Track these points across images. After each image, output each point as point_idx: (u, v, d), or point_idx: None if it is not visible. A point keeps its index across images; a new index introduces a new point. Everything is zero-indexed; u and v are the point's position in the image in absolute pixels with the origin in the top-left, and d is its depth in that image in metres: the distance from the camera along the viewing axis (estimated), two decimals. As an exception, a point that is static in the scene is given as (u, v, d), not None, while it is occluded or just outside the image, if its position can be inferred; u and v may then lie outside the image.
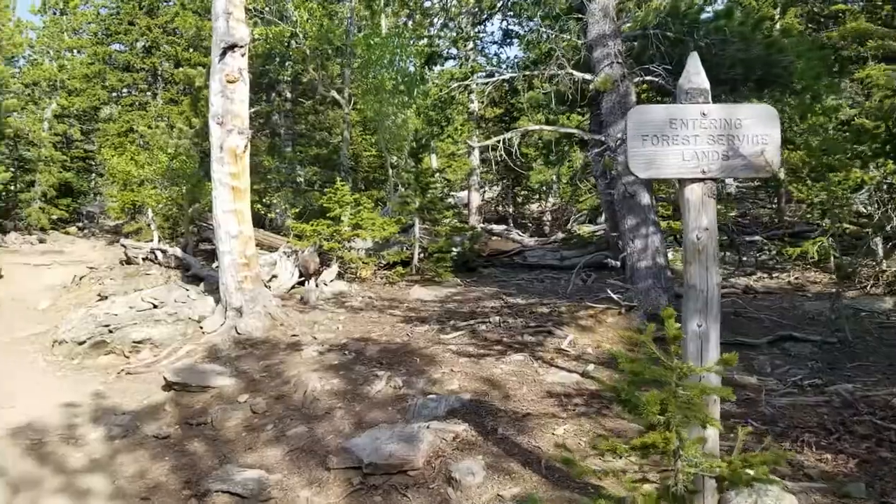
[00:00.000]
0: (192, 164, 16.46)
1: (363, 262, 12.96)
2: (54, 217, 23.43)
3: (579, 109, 15.25)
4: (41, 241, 21.29)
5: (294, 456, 5.48)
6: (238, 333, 9.30)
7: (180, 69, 21.74)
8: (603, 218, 20.32)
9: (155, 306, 10.20)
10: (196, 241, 16.50)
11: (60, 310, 12.49)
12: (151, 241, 16.02)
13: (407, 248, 13.85)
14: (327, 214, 13.12)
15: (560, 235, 19.81)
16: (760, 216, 18.82)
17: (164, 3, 25.38)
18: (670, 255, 10.48)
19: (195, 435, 6.25)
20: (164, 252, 14.64)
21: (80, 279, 14.68)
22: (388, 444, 5.07)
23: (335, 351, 8.22)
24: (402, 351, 8.12)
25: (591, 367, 7.19)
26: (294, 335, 9.25)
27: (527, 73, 10.46)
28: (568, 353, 7.79)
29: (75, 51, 25.84)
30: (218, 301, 10.29)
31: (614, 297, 9.39)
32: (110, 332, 9.57)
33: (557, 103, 10.74)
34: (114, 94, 25.94)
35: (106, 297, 11.67)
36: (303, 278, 12.38)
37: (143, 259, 15.05)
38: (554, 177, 22.95)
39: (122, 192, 17.83)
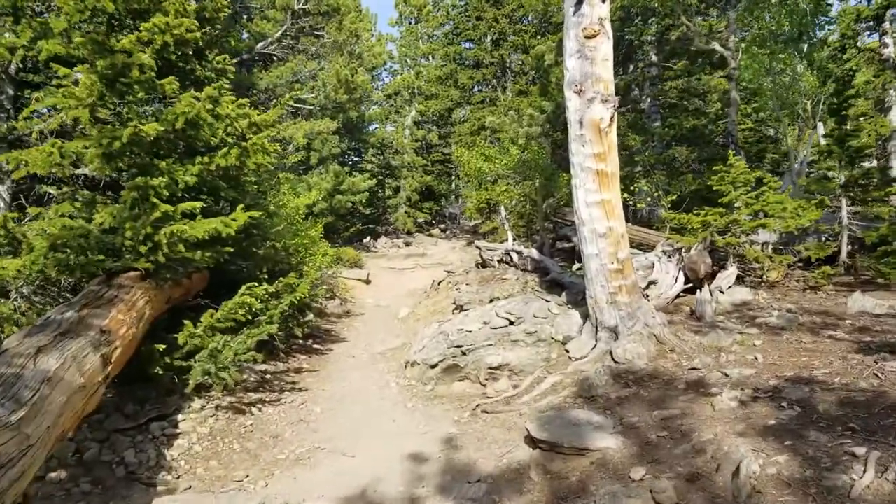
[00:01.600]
0: (544, 156, 14.90)
1: (771, 261, 9.55)
2: (419, 220, 24.76)
3: None
4: (407, 244, 22.47)
5: None
6: (614, 362, 7.42)
7: (530, 53, 20.55)
8: None
9: (511, 322, 8.63)
10: (552, 239, 14.97)
11: (419, 318, 12.23)
12: (505, 241, 14.89)
13: (829, 239, 10.08)
14: (719, 200, 9.98)
15: None
16: None
17: (508, -9, 24.77)
18: None
19: (575, 531, 4.40)
20: (519, 254, 13.26)
21: (438, 284, 14.42)
22: None
23: (764, 399, 5.72)
24: (880, 405, 5.11)
25: None
26: (693, 368, 6.87)
27: None
28: None
29: (430, 56, 26.91)
30: (585, 317, 8.31)
31: None
32: (463, 353, 8.30)
33: None
34: (464, 93, 26.33)
35: (461, 307, 10.60)
36: (689, 284, 9.62)
37: (499, 261, 14.01)
38: None
39: (477, 192, 17.32)
